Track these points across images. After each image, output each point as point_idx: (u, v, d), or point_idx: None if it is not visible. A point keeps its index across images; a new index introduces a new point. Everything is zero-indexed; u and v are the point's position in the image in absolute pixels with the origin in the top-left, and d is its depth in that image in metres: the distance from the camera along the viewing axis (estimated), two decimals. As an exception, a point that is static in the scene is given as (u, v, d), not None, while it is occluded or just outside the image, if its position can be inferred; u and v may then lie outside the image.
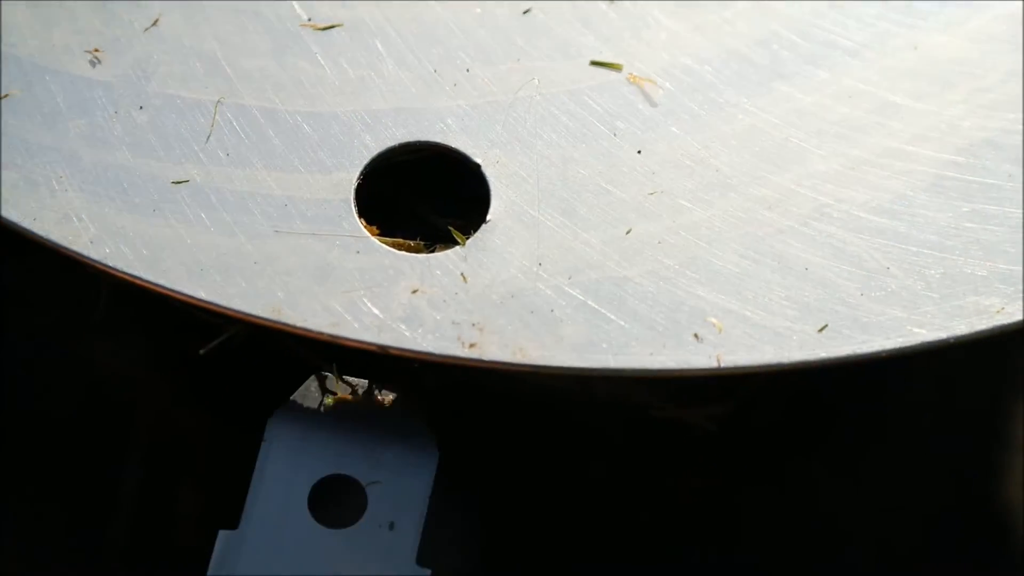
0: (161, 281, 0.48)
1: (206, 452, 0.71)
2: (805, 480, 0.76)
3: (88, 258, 0.49)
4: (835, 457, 0.77)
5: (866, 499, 0.77)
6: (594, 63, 0.53)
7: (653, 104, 0.52)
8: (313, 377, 0.50)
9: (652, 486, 0.74)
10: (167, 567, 0.71)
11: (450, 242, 0.50)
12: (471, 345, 0.48)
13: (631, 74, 0.53)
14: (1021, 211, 0.51)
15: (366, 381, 0.50)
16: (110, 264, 0.49)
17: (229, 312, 0.48)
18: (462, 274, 0.49)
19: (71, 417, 0.71)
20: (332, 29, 0.53)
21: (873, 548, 0.76)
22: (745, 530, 0.76)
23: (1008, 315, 0.49)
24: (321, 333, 0.48)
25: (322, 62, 0.52)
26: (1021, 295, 0.49)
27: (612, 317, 0.49)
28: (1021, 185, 0.51)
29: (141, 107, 0.51)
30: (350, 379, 0.50)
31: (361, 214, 0.50)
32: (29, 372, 0.70)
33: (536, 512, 0.73)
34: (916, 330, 0.49)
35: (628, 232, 0.50)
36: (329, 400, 0.50)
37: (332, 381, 0.50)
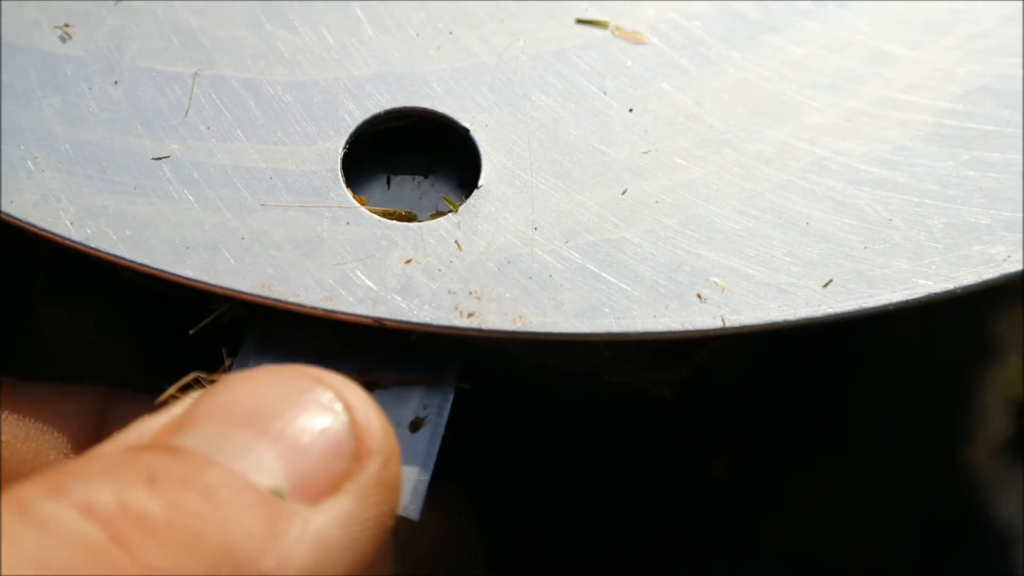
0: (146, 261, 0.47)
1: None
2: (769, 448, 0.76)
3: (69, 240, 0.47)
4: (799, 424, 0.76)
5: (828, 468, 0.76)
6: (580, 21, 0.52)
7: (642, 61, 0.51)
8: None
9: (615, 456, 0.73)
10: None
11: (442, 209, 0.49)
12: (469, 314, 0.46)
13: (615, 27, 0.51)
14: (1022, 157, 0.50)
15: None
16: (92, 245, 0.47)
17: (218, 290, 0.47)
18: (456, 242, 0.48)
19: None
20: (309, -5, 0.51)
21: (836, 516, 0.76)
22: (708, 498, 0.75)
23: (1014, 263, 0.48)
24: (315, 308, 0.46)
25: (301, 30, 0.51)
26: (1027, 242, 0.49)
27: (612, 280, 0.47)
28: (1021, 131, 0.50)
29: (116, 82, 0.50)
30: None
31: (349, 184, 0.49)
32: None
33: (498, 490, 0.72)
34: (922, 282, 0.48)
35: (624, 192, 0.49)
36: None
37: None
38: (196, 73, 0.50)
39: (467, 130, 0.50)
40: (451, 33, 0.51)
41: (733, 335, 0.47)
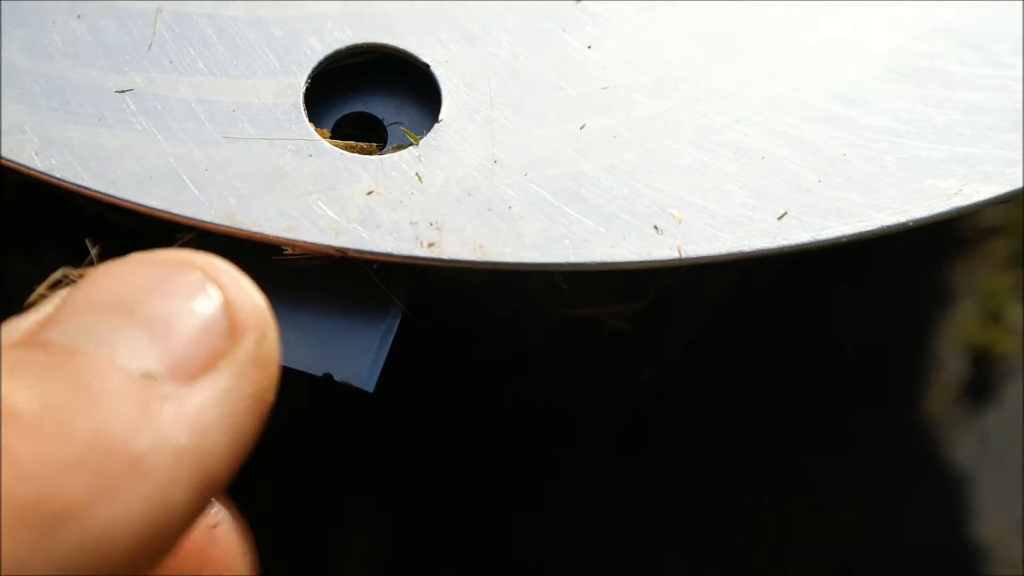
0: (111, 191, 0.47)
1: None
2: (729, 392, 0.77)
3: (35, 170, 0.47)
4: (755, 371, 0.77)
5: (782, 414, 0.77)
6: (539, -41, 0.52)
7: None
8: None
9: (578, 406, 0.74)
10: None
11: (403, 143, 0.49)
12: (430, 244, 0.47)
13: None
14: (973, 93, 0.51)
15: None
16: (57, 176, 0.47)
17: (182, 220, 0.47)
18: (417, 174, 0.48)
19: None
20: (271, -68, 0.52)
21: (791, 460, 0.77)
22: (668, 445, 0.76)
23: (966, 196, 0.49)
24: (277, 237, 0.47)
25: (263, -34, 0.51)
26: (978, 176, 0.49)
27: (570, 212, 0.48)
28: (971, 68, 0.51)
29: (79, 16, 0.50)
30: None
31: (311, 118, 0.49)
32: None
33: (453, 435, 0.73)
34: (875, 215, 0.49)
35: (583, 127, 0.49)
36: None
37: None
38: (159, 8, 0.50)
39: (427, 66, 0.50)
40: (413, -30, 0.52)
41: (689, 266, 0.48)
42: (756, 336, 0.78)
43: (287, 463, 0.72)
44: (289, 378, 0.46)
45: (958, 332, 0.81)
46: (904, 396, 0.80)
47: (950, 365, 0.80)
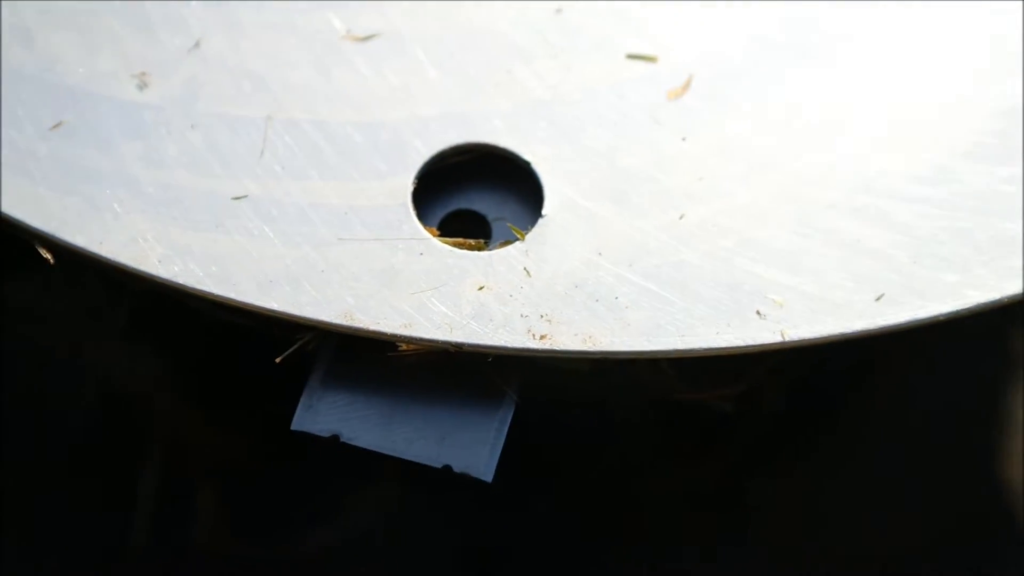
0: (232, 295, 0.49)
1: (225, 458, 0.72)
2: (808, 469, 0.78)
3: (158, 278, 0.49)
4: (837, 446, 0.78)
5: (865, 491, 0.78)
6: (630, 56, 0.54)
7: (692, 92, 0.54)
8: None
9: (662, 475, 0.75)
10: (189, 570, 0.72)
11: (510, 239, 0.51)
12: (542, 336, 0.49)
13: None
14: (1057, 171, 0.52)
15: None
16: (180, 282, 0.49)
17: (302, 320, 0.49)
18: (525, 268, 0.50)
19: (87, 430, 0.71)
20: (371, 39, 0.54)
21: (874, 539, 0.77)
22: (753, 520, 0.77)
23: (1056, 272, 0.50)
24: (395, 335, 0.49)
25: (365, 72, 0.53)
26: (1067, 252, 0.51)
27: (675, 300, 0.50)
28: (1053, 146, 0.53)
29: (193, 126, 0.52)
30: None
31: (420, 216, 0.51)
32: (42, 388, 0.70)
33: (545, 502, 0.74)
34: (970, 293, 0.50)
35: (681, 217, 0.51)
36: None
37: None
38: (269, 116, 0.52)
39: (528, 163, 0.52)
40: (508, 71, 0.53)
41: (792, 349, 0.50)
42: (836, 399, 0.79)
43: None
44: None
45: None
46: (983, 462, 0.80)
47: (1026, 431, 0.81)
